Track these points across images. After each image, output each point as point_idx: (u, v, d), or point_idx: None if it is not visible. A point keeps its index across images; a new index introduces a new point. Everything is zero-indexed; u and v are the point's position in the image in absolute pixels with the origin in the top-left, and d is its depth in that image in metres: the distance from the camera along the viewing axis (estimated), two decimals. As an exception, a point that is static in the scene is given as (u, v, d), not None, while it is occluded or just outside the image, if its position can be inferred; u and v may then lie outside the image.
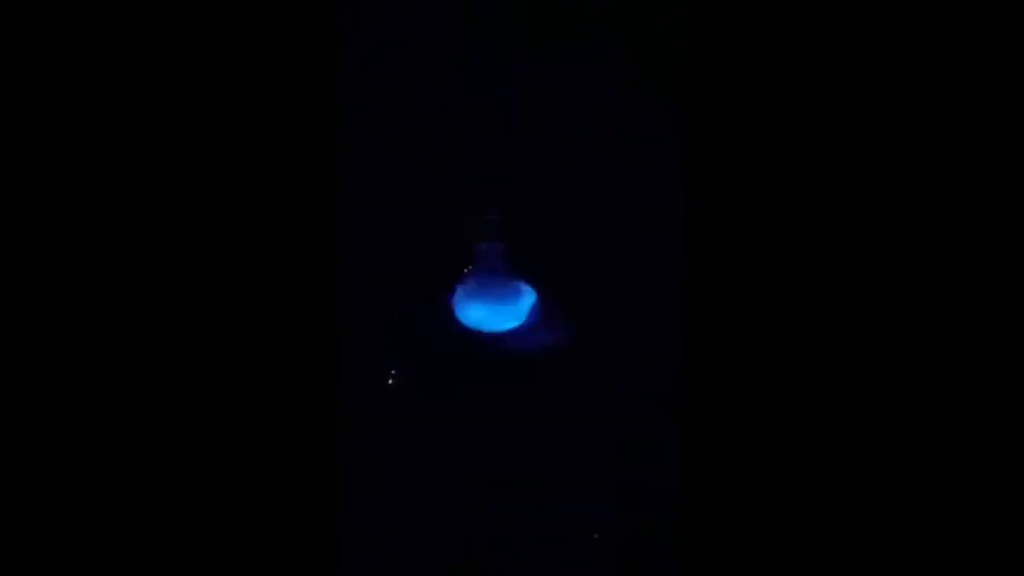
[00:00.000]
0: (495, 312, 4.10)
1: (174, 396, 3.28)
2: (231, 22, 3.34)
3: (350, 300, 3.68)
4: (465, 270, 4.05)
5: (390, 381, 3.79)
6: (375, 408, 4.11)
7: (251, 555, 3.29)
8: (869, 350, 3.29)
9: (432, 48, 4.07)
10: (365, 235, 3.95)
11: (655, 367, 4.07)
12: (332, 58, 3.43)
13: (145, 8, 3.30)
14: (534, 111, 4.14)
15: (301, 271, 3.36)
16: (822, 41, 3.37)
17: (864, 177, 3.35)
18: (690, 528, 3.39)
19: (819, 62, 3.37)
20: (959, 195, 3.29)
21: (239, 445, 3.30)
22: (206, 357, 3.30)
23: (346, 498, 3.54)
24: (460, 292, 4.06)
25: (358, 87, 3.84)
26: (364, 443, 3.95)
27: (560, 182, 4.18)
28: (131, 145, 3.31)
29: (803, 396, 3.31)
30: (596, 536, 4.00)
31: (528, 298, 4.10)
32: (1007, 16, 3.29)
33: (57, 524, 3.21)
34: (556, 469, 4.15)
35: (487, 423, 4.16)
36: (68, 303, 3.26)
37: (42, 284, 3.25)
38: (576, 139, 4.15)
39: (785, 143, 3.37)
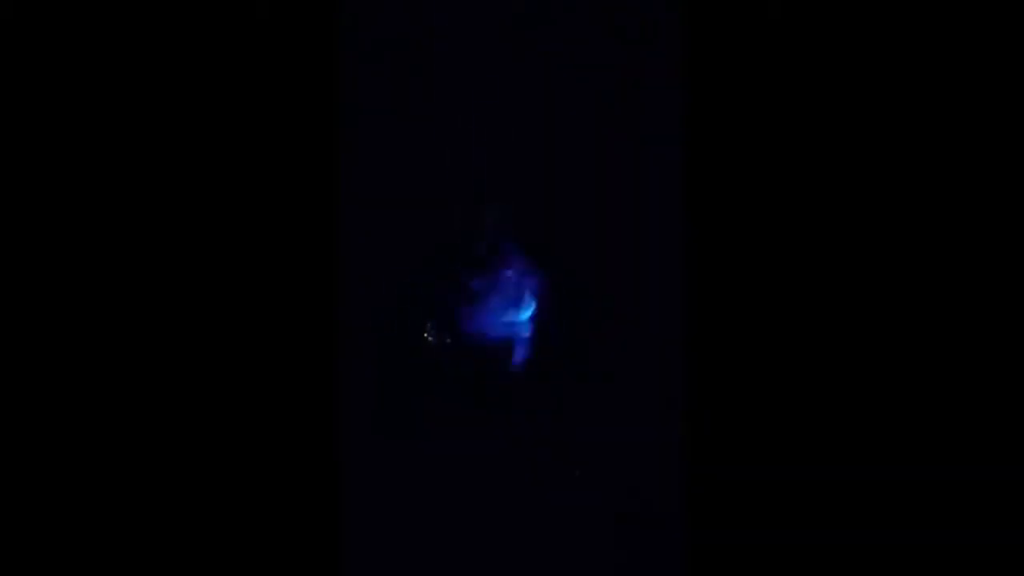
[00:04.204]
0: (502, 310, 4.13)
1: (173, 395, 3.28)
2: (231, 22, 3.34)
3: (350, 300, 3.69)
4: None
5: (427, 335, 3.80)
6: (375, 407, 4.11)
7: (251, 555, 3.29)
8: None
9: (432, 48, 4.09)
10: (365, 235, 3.96)
11: (656, 364, 4.07)
12: (332, 58, 3.44)
13: (146, 8, 3.31)
14: (534, 111, 4.15)
15: (301, 271, 3.36)
16: (822, 41, 3.37)
17: (863, 177, 3.36)
18: (690, 527, 3.41)
19: (819, 62, 3.37)
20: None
21: (238, 444, 3.31)
22: (206, 357, 3.30)
23: (345, 498, 3.54)
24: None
25: (358, 87, 3.86)
26: (362, 444, 3.95)
27: (559, 182, 4.19)
28: (132, 145, 3.31)
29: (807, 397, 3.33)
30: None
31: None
32: (1007, 17, 3.30)
33: (59, 525, 3.22)
34: (557, 469, 4.15)
35: (488, 423, 4.16)
36: (69, 302, 3.26)
37: (42, 284, 3.25)
38: (576, 139, 4.16)
39: (785, 144, 3.38)
